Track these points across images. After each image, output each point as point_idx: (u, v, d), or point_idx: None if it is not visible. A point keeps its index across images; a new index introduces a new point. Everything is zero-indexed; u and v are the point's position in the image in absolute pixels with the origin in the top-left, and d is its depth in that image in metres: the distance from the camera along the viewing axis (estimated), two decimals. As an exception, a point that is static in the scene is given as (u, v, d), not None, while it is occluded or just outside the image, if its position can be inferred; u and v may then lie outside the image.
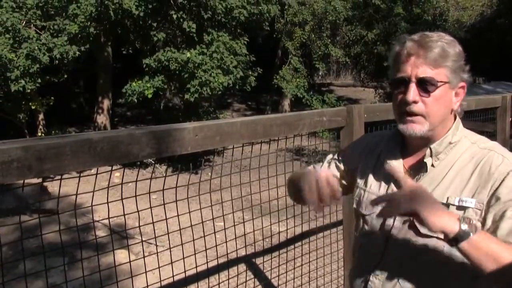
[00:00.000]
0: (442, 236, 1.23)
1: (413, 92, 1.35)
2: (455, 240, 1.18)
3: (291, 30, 14.40)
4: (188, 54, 9.64)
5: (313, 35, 14.45)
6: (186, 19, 9.89)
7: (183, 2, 9.78)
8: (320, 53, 14.53)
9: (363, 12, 15.74)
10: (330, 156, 1.76)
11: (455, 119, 1.46)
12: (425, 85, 1.35)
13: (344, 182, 1.70)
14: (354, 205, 1.61)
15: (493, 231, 1.28)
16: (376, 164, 1.56)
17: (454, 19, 18.59)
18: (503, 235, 1.25)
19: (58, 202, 1.70)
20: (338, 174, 1.69)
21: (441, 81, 1.35)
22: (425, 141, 1.42)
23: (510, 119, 4.65)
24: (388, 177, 1.47)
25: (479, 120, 4.93)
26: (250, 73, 11.07)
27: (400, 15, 15.15)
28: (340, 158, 1.72)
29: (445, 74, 1.35)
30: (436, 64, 1.34)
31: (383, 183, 1.51)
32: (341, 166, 1.70)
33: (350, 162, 1.67)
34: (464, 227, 1.18)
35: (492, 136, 4.76)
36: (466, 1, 19.22)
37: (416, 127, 1.38)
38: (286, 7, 13.93)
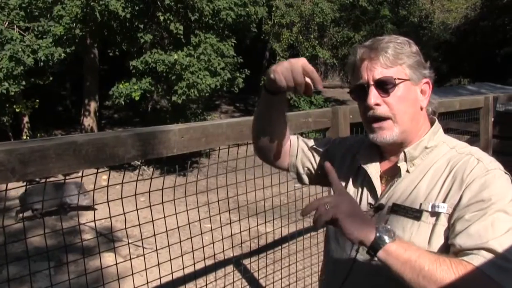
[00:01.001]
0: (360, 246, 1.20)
1: (373, 96, 1.32)
2: (373, 249, 1.15)
3: (279, 31, 14.46)
4: (175, 56, 9.63)
5: (300, 37, 14.51)
6: (173, 21, 9.88)
7: (170, 3, 9.76)
8: (307, 54, 14.57)
9: (350, 14, 15.82)
10: (312, 143, 1.67)
11: (432, 123, 1.43)
12: (384, 85, 1.31)
13: (313, 171, 1.64)
14: None
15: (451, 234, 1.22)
16: (354, 170, 1.51)
17: (440, 21, 18.80)
18: (453, 237, 1.19)
19: (42, 205, 1.69)
20: (315, 162, 1.64)
21: (399, 79, 1.31)
22: (399, 145, 1.38)
23: (493, 119, 4.70)
24: (362, 182, 1.45)
25: (463, 120, 4.99)
26: (238, 74, 11.08)
27: (386, 17, 15.24)
28: (320, 149, 1.65)
29: (402, 71, 1.32)
30: (391, 63, 1.31)
31: (359, 189, 1.46)
32: (318, 158, 1.64)
33: (329, 157, 1.59)
34: (380, 235, 1.14)
35: (475, 136, 4.84)
36: (451, 4, 19.44)
37: (386, 134, 1.34)
38: (273, 9, 13.98)
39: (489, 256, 1.10)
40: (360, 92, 1.37)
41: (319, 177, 1.63)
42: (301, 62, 1.28)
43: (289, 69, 1.28)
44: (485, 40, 19.86)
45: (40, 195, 6.22)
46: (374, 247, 1.14)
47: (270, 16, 14.12)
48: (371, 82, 1.33)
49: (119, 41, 10.70)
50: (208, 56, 9.82)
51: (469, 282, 1.07)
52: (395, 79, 1.31)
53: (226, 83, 10.49)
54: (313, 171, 1.64)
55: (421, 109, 1.39)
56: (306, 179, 1.67)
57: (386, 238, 1.14)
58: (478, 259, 1.10)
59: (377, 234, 1.14)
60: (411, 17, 16.86)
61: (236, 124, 2.09)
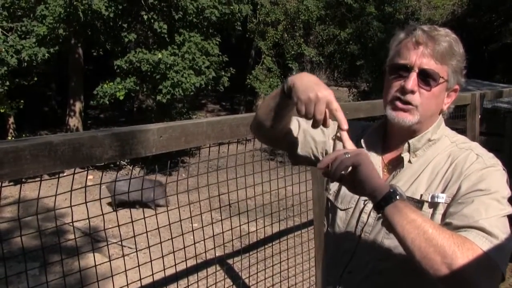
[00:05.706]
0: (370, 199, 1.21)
1: (412, 81, 1.32)
2: (384, 201, 1.17)
3: (264, 30, 14.44)
4: (160, 55, 9.58)
5: (286, 35, 14.52)
6: (157, 20, 9.83)
7: (154, 2, 9.71)
8: (293, 52, 14.60)
9: (335, 12, 15.85)
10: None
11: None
12: (426, 77, 1.33)
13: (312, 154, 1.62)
14: (331, 198, 1.57)
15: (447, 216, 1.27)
16: None
17: (426, 18, 18.84)
18: (448, 217, 1.25)
19: (18, 207, 1.66)
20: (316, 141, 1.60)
21: (442, 78, 1.34)
22: (408, 135, 1.40)
23: (480, 116, 4.71)
24: None
25: (449, 117, 4.94)
26: (223, 73, 11.05)
27: (372, 14, 15.28)
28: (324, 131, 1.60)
29: (446, 72, 1.34)
30: (442, 59, 1.33)
31: None
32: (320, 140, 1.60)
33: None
34: (394, 190, 1.17)
35: (462, 133, 4.83)
36: (437, 0, 19.52)
37: (407, 117, 1.35)
38: (258, 7, 13.96)
39: (480, 233, 1.16)
40: (399, 70, 1.36)
41: (316, 159, 1.61)
42: (327, 99, 1.22)
43: (313, 102, 1.22)
44: (473, 37, 19.99)
45: (126, 186, 6.21)
46: (386, 200, 1.16)
47: (255, 14, 14.10)
48: (416, 69, 1.33)
49: (103, 40, 10.62)
50: (193, 55, 9.78)
51: (465, 251, 1.10)
52: (440, 76, 1.33)
53: (211, 82, 10.46)
54: (311, 154, 1.61)
55: (441, 111, 1.43)
56: (303, 160, 1.64)
57: (398, 195, 1.17)
58: (471, 235, 1.15)
59: (391, 190, 1.17)
60: (397, 14, 16.89)
61: (216, 122, 2.06)
